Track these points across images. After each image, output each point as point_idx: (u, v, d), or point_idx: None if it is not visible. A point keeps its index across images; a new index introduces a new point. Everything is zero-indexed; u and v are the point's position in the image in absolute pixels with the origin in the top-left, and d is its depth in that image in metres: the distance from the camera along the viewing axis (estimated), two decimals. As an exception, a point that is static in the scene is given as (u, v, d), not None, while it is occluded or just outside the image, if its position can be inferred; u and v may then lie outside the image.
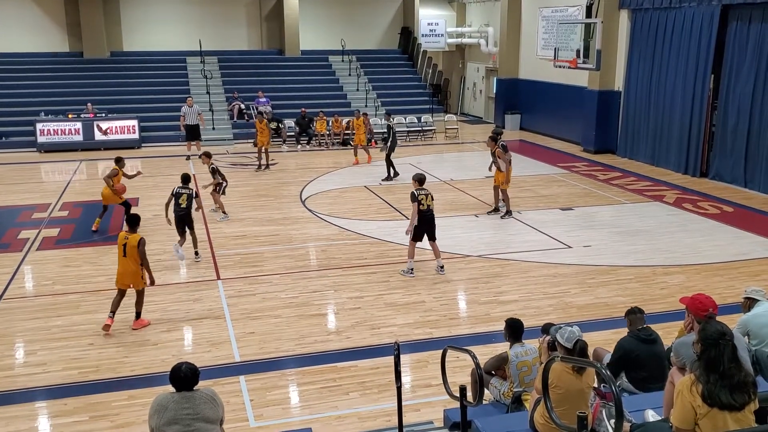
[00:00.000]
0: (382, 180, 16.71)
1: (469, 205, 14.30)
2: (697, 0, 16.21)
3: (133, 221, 8.43)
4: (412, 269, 10.23)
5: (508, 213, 13.37)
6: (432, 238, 10.31)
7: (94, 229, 12.50)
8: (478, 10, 27.29)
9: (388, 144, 16.69)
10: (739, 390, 3.37)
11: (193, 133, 19.26)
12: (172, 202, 10.86)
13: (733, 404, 3.35)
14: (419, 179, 10.35)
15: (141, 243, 8.17)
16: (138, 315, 8.47)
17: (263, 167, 17.97)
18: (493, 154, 13.21)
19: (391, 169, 16.73)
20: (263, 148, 17.91)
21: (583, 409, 4.32)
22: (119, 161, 12.93)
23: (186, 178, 11.35)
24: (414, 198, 10.05)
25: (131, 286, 8.35)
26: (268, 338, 8.14)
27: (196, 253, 10.98)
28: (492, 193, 13.71)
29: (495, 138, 13.41)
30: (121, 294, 8.36)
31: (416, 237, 10.17)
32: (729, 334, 3.49)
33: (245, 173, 17.63)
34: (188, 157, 19.14)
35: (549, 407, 4.07)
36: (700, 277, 10.10)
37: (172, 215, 10.88)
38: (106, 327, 8.23)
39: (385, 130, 17.26)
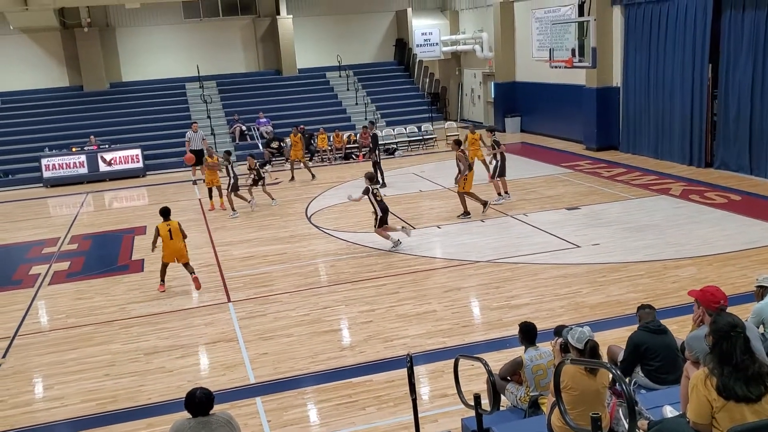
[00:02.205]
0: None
1: (475, 210, 14.26)
2: (689, -9, 16.24)
3: (166, 212, 10.65)
4: (398, 240, 12.03)
5: (467, 214, 13.72)
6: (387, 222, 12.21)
7: (210, 209, 15.99)
8: (470, 16, 27.40)
9: (377, 152, 17.25)
10: (754, 381, 3.34)
11: (198, 158, 19.31)
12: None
13: (749, 396, 3.32)
14: (370, 177, 12.27)
15: (179, 224, 10.67)
16: (193, 272, 10.69)
17: (312, 177, 18.90)
18: (496, 155, 13.43)
19: (380, 174, 17.08)
20: (297, 161, 18.91)
21: (600, 409, 4.30)
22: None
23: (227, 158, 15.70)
24: (368, 191, 11.91)
25: (177, 260, 10.60)
26: (282, 358, 8.14)
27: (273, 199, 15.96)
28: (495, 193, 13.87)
29: (458, 141, 14.18)
30: (165, 266, 10.70)
31: (382, 223, 12.02)
32: (740, 326, 3.46)
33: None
34: (194, 182, 19.25)
35: (563, 410, 4.05)
36: (712, 268, 10.04)
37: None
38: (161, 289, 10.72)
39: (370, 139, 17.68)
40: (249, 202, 15.52)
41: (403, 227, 12.30)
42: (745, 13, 15.05)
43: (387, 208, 12.15)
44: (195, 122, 20.46)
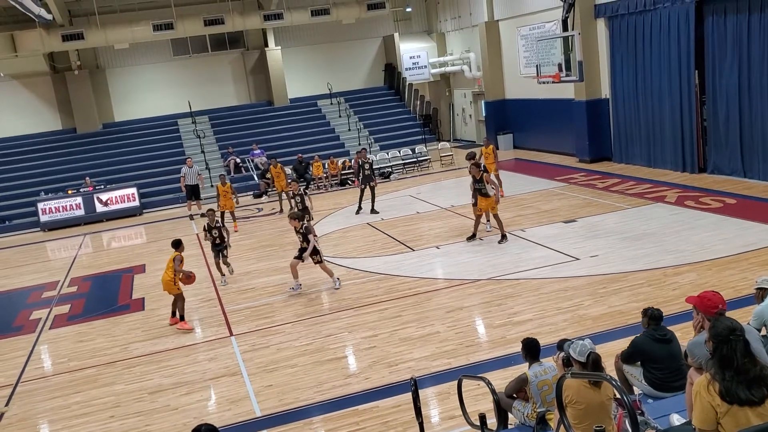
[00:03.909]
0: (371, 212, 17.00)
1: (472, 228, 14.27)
2: (670, 0, 16.41)
3: (174, 243, 10.82)
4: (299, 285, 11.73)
5: (504, 237, 13.08)
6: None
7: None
8: (457, 37, 27.69)
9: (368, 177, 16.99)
10: (756, 384, 3.33)
11: (193, 193, 19.45)
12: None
13: (753, 399, 3.31)
14: (300, 216, 11.82)
15: (174, 258, 10.53)
16: (173, 314, 10.75)
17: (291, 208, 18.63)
18: (481, 180, 12.89)
19: (371, 200, 17.07)
20: (283, 192, 18.71)
21: (606, 422, 4.28)
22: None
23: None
24: (310, 230, 11.53)
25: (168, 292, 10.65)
26: (287, 389, 8.09)
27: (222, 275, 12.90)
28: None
29: (478, 164, 13.29)
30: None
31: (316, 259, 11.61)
32: (739, 329, 3.46)
33: (247, 226, 17.71)
34: (191, 217, 19.30)
35: (566, 425, 4.03)
36: (711, 273, 10.04)
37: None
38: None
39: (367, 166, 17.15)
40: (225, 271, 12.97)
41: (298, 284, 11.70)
42: (727, 18, 15.23)
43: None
44: (189, 157, 20.56)
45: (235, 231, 16.62)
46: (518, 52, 23.11)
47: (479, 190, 12.95)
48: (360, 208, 17.23)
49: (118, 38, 22.44)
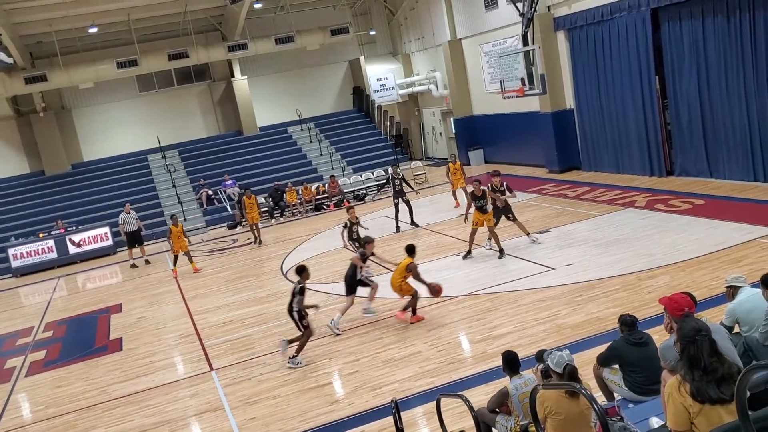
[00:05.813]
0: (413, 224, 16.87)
1: (449, 245, 14.36)
2: (627, 9, 16.78)
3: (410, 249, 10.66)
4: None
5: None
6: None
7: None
8: (422, 57, 27.99)
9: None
10: (725, 382, 3.39)
11: (134, 240, 18.55)
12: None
13: (723, 397, 3.36)
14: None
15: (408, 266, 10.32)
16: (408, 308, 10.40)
17: (259, 242, 18.31)
18: (483, 196, 12.79)
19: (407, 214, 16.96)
20: (255, 224, 18.39)
21: (587, 431, 4.30)
22: None
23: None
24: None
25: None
26: (270, 420, 8.00)
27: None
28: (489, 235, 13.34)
29: (479, 179, 13.29)
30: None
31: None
32: (705, 329, 3.53)
33: (222, 258, 17.59)
34: (133, 265, 18.22)
35: (542, 437, 4.05)
36: (685, 274, 10.17)
37: None
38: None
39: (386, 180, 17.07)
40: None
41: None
42: (683, 23, 15.60)
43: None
44: (127, 203, 19.38)
45: (174, 276, 16.09)
46: (482, 68, 23.41)
47: (480, 207, 12.79)
48: (398, 227, 16.77)
49: (82, 78, 22.34)
